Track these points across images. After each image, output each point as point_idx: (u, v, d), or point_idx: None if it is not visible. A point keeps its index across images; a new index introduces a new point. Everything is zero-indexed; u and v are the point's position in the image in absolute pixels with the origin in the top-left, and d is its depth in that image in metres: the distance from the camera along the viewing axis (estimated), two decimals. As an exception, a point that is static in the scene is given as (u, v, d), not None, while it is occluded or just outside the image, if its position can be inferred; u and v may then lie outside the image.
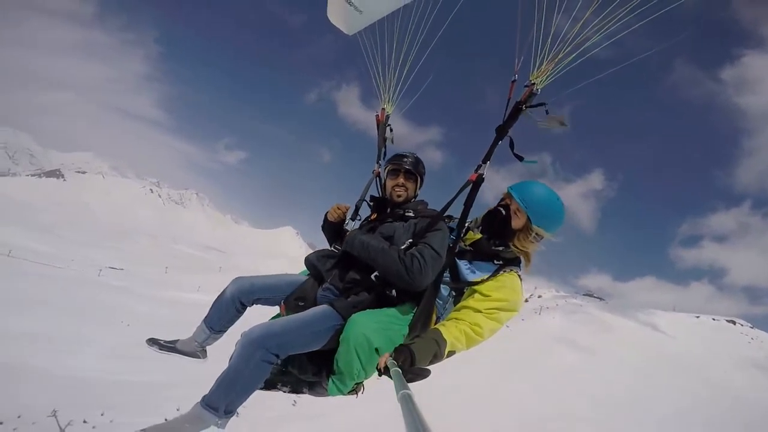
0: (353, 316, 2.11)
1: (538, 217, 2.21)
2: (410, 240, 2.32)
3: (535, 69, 2.33)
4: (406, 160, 2.75)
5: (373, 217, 2.73)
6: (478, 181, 2.34)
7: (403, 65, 3.09)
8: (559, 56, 2.28)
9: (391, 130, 3.19)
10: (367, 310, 2.17)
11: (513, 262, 2.28)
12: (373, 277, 2.24)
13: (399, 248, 2.26)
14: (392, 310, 2.20)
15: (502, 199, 2.36)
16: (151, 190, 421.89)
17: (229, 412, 2.03)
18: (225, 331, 2.63)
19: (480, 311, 2.07)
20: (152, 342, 2.73)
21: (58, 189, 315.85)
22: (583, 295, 72.88)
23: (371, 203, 2.87)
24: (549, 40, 2.30)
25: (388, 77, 3.14)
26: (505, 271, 2.21)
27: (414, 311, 2.21)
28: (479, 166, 2.37)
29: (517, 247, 2.28)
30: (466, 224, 2.47)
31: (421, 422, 0.99)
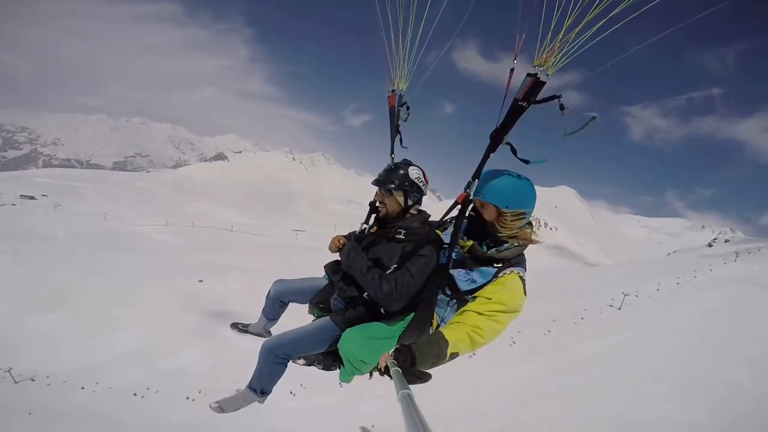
0: (346, 331, 2.42)
1: (501, 201, 2.17)
2: (395, 265, 2.40)
3: (543, 50, 1.75)
4: (381, 173, 2.73)
5: (373, 230, 2.81)
6: (466, 202, 2.16)
7: (419, 21, 2.43)
8: (577, 29, 1.62)
9: (408, 108, 2.92)
10: (361, 324, 2.44)
11: (513, 262, 2.23)
12: (365, 295, 2.45)
13: (379, 272, 2.37)
14: (382, 325, 2.40)
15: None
16: (293, 158, 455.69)
17: (264, 392, 2.77)
18: (278, 319, 3.28)
19: (481, 314, 2.08)
20: (233, 326, 3.47)
21: (226, 169, 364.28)
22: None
23: (375, 214, 2.87)
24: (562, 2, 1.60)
25: (401, 43, 2.55)
26: (505, 273, 2.18)
27: (405, 323, 2.36)
28: (469, 184, 2.12)
29: (505, 233, 2.23)
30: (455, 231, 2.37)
31: (421, 422, 1.01)
